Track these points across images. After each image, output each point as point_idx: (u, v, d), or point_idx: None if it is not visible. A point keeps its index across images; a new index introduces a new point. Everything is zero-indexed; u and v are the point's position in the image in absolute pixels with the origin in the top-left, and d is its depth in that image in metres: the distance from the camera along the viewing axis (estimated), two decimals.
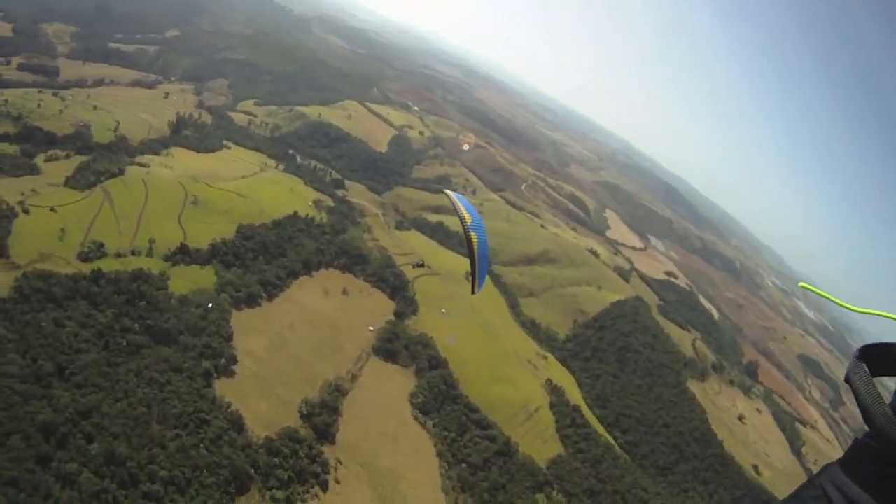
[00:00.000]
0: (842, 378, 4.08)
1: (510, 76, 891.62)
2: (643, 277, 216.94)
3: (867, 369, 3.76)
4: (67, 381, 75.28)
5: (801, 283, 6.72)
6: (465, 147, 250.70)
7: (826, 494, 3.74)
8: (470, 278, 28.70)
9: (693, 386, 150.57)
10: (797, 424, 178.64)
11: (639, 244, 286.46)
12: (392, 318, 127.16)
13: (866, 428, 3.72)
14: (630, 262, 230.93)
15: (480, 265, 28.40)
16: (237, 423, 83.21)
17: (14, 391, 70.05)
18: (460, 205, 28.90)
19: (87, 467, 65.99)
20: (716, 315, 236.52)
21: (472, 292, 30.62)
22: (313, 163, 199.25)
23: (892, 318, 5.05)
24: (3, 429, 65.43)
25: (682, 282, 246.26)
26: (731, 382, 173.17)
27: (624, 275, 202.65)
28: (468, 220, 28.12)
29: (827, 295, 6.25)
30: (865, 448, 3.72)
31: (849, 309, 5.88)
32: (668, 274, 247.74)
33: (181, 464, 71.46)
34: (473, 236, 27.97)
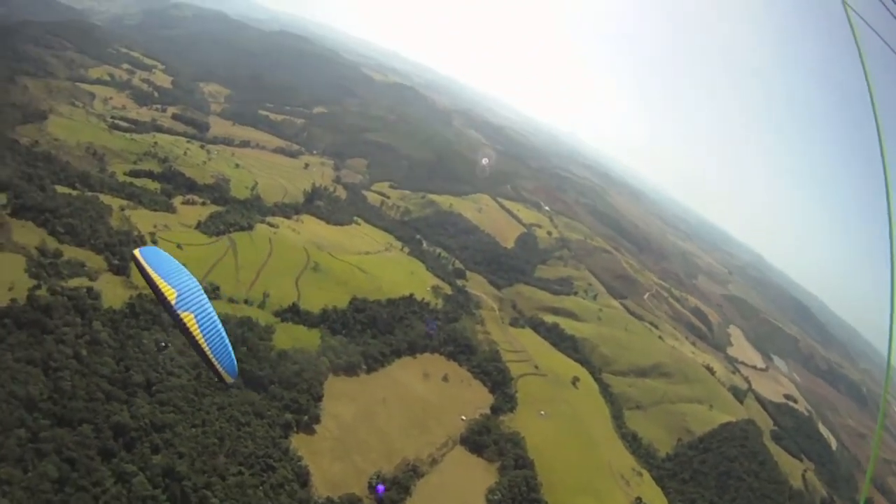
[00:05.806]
0: None
1: (646, 183, 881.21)
2: (759, 399, 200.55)
3: None
4: (152, 395, 79.64)
5: None
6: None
7: None
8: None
9: None
10: None
11: (760, 363, 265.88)
12: (487, 411, 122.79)
13: None
14: (748, 381, 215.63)
15: (212, 346, 21.50)
16: (303, 478, 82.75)
17: (100, 388, 75.47)
18: (158, 277, 21.22)
19: (144, 472, 68.45)
20: (834, 444, 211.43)
21: (225, 383, 23.53)
22: (438, 250, 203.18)
23: None
24: (79, 415, 70.45)
25: (801, 406, 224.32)
26: None
27: (739, 395, 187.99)
28: (171, 296, 20.95)
29: None
30: None
31: None
32: (787, 397, 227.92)
33: (235, 498, 71.97)
34: (186, 317, 21.03)
